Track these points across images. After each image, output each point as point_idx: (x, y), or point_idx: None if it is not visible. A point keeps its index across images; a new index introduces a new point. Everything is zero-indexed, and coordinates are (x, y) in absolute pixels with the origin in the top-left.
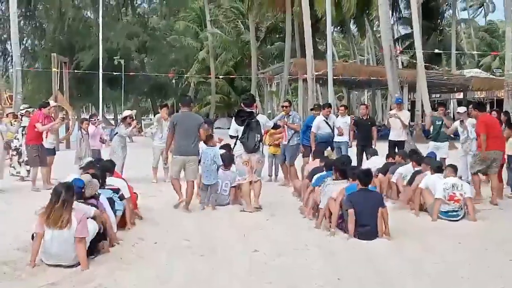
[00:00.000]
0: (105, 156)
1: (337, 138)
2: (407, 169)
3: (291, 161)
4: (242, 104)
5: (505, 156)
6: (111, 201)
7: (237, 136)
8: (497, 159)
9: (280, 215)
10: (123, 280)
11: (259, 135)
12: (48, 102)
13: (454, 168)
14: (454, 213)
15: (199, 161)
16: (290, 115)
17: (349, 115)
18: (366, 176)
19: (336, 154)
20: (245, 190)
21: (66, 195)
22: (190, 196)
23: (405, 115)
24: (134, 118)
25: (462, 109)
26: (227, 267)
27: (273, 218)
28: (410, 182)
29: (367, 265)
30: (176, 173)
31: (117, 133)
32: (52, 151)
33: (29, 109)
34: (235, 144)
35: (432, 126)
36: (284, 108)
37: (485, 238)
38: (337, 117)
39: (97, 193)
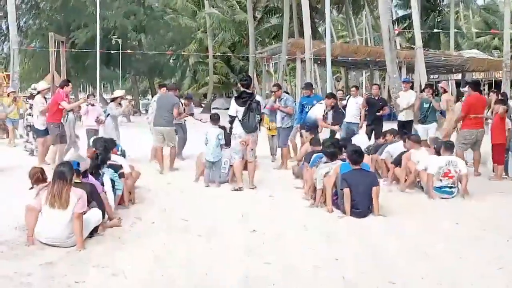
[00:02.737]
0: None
1: (348, 120)
2: (396, 147)
3: (284, 144)
4: (240, 85)
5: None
6: (111, 181)
7: (236, 116)
8: (478, 135)
9: (279, 196)
10: (121, 260)
11: (259, 116)
12: (69, 80)
13: (449, 146)
14: (448, 190)
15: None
16: (282, 99)
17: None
18: (356, 156)
19: (346, 135)
20: (236, 168)
21: (67, 175)
22: (172, 160)
23: (412, 95)
24: (130, 98)
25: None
26: (225, 247)
27: (271, 198)
28: (395, 161)
29: (365, 245)
30: (156, 142)
31: (109, 114)
32: (44, 132)
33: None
34: (232, 123)
35: (420, 108)
36: (274, 93)
37: (482, 218)
38: (348, 98)
39: (100, 172)
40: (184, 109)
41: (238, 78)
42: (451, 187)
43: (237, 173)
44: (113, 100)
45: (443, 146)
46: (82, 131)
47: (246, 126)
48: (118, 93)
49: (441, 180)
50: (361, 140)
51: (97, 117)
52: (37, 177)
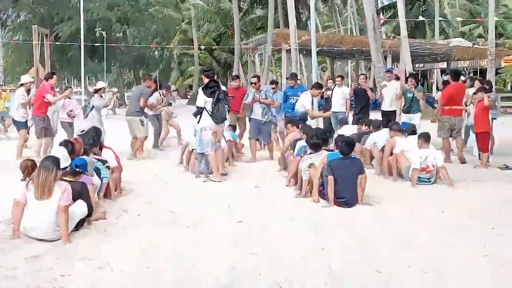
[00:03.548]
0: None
1: (334, 109)
2: (380, 135)
3: (268, 139)
4: (203, 76)
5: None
6: (96, 170)
7: (203, 108)
8: (456, 123)
9: (265, 187)
10: (107, 252)
11: (227, 106)
12: (54, 73)
13: (426, 137)
14: (426, 180)
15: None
16: (261, 90)
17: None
18: (347, 148)
19: (334, 125)
20: (212, 161)
21: (52, 167)
22: (135, 149)
23: (396, 85)
24: (115, 91)
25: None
26: (212, 239)
27: (257, 189)
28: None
29: (351, 234)
30: (129, 131)
31: (93, 107)
32: (24, 124)
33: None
34: (200, 115)
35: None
36: (253, 84)
37: (468, 207)
38: (333, 88)
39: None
40: (162, 100)
41: (222, 70)
42: (428, 178)
43: (213, 166)
44: (96, 91)
45: (420, 138)
46: (57, 124)
47: (216, 117)
48: (101, 84)
49: (420, 173)
50: (349, 130)
51: (70, 111)
52: (28, 170)
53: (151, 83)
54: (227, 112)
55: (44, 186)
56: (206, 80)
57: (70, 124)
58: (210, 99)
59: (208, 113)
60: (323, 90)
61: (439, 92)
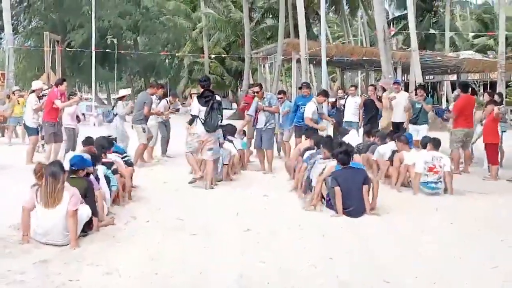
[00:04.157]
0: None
1: (347, 119)
2: (387, 147)
3: (268, 146)
4: (199, 86)
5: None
6: (106, 178)
7: (197, 116)
8: (469, 135)
9: (273, 195)
10: (115, 258)
11: (220, 116)
12: (64, 79)
13: (436, 143)
14: (433, 185)
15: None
16: (264, 98)
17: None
18: (344, 155)
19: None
20: (189, 160)
21: (59, 174)
22: (137, 156)
23: (404, 96)
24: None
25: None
26: (220, 246)
27: (266, 197)
28: (390, 159)
29: (359, 244)
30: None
31: (116, 114)
32: (35, 130)
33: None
34: (194, 122)
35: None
36: (256, 93)
37: (477, 218)
38: (347, 98)
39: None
40: (169, 107)
41: (233, 79)
42: (436, 183)
43: (192, 165)
44: (120, 99)
45: (429, 143)
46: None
47: (208, 125)
48: (123, 92)
49: (426, 175)
50: (351, 139)
51: (77, 116)
52: (41, 173)
53: (155, 90)
54: (219, 122)
55: (52, 193)
56: (201, 90)
57: (73, 129)
58: (204, 108)
59: (201, 121)
60: (328, 98)
61: (453, 104)
